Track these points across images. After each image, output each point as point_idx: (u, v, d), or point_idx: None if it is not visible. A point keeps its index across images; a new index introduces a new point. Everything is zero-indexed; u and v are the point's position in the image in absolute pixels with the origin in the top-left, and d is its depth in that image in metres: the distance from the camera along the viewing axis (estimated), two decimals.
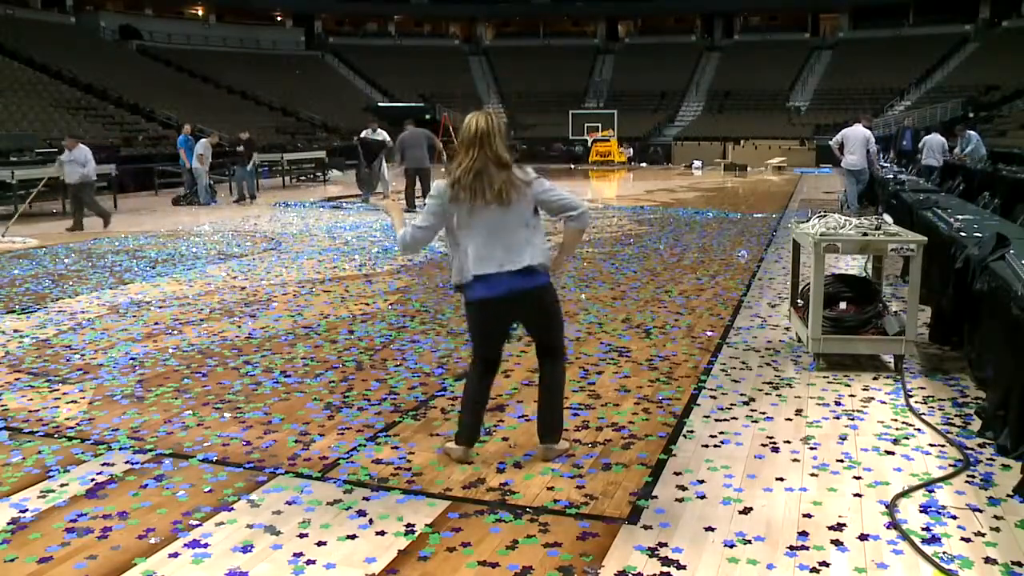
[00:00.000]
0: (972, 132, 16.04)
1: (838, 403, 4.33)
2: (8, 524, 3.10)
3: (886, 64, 38.58)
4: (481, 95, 44.23)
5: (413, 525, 3.04)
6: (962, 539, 2.89)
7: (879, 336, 4.87)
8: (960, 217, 6.55)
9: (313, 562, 2.80)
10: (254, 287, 7.73)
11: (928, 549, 2.82)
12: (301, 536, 2.99)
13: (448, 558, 2.82)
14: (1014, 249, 4.59)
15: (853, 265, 7.75)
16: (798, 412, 4.20)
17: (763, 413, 4.19)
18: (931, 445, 3.74)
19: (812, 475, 3.44)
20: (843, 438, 3.84)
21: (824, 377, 4.77)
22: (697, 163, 29.37)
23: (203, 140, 16.79)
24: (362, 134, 16.78)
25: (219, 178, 18.85)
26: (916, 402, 4.32)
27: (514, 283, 3.39)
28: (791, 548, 2.85)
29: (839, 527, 2.99)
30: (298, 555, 2.85)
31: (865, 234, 4.92)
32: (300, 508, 3.21)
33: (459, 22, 50.65)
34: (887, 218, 5.35)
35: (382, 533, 3.00)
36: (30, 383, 4.85)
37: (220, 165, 18.39)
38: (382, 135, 16.25)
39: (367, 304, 6.92)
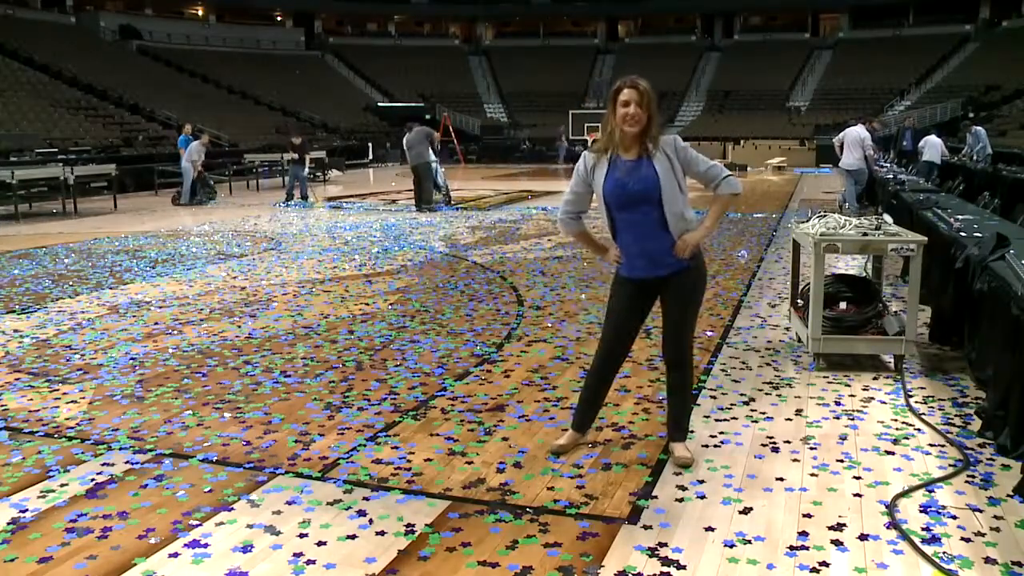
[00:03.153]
0: (979, 128, 16.05)
1: (838, 403, 4.33)
2: (8, 524, 3.09)
3: (886, 64, 38.61)
4: (481, 95, 44.27)
5: (413, 525, 3.04)
6: (962, 539, 2.89)
7: (879, 336, 4.87)
8: (960, 217, 6.55)
9: (313, 562, 2.80)
10: (254, 287, 7.73)
11: (928, 549, 2.82)
12: (301, 536, 2.98)
13: (448, 558, 2.82)
14: (1014, 249, 4.59)
15: (853, 265, 7.75)
16: (798, 412, 4.20)
17: (763, 413, 4.19)
18: (931, 445, 3.74)
19: (812, 475, 3.44)
20: (843, 438, 3.84)
21: (824, 377, 4.77)
22: None
23: (194, 143, 16.79)
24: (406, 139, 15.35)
25: (219, 178, 18.85)
26: (916, 402, 4.31)
27: None
28: (791, 548, 2.84)
29: (839, 527, 2.99)
30: (298, 555, 2.85)
31: (865, 234, 4.92)
32: (300, 508, 3.21)
33: (459, 22, 50.67)
34: (887, 218, 5.35)
35: (382, 533, 3.00)
36: (30, 383, 4.85)
37: (220, 165, 18.38)
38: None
39: (367, 304, 6.92)
